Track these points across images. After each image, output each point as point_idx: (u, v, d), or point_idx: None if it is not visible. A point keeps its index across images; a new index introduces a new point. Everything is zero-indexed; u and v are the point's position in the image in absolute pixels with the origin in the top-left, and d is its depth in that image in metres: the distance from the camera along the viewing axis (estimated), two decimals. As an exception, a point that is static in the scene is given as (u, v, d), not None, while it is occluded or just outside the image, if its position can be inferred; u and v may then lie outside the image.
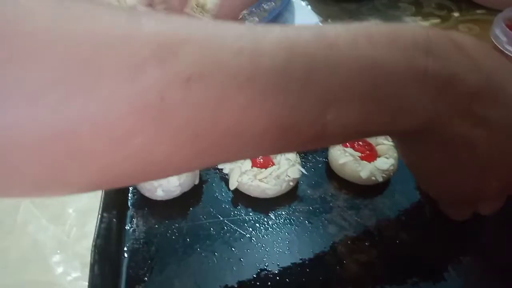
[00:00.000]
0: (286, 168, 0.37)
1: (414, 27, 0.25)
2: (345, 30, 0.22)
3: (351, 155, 0.38)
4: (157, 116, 0.17)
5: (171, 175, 0.23)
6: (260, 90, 0.19)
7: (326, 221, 0.36)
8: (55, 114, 0.16)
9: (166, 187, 0.36)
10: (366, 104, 0.22)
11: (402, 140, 0.30)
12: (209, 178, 0.39)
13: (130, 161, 0.19)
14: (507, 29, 0.46)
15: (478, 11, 0.60)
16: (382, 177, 0.37)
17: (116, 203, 0.36)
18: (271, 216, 0.36)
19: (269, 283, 0.32)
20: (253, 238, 0.35)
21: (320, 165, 0.41)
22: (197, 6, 0.42)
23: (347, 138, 0.26)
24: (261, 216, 0.36)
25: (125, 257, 0.33)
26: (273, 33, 0.20)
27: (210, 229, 0.35)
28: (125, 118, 0.17)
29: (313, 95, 0.21)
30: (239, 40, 0.19)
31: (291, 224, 0.36)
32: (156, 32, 0.18)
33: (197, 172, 0.38)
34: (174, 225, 0.35)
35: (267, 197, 0.37)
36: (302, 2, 0.58)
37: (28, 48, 0.16)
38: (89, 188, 0.21)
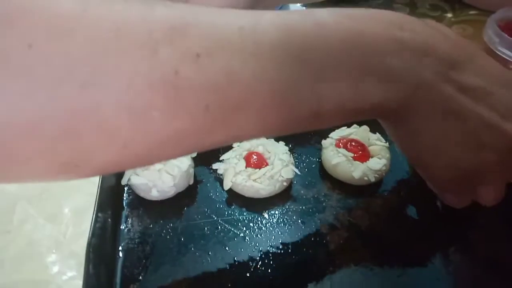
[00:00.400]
0: (280, 169, 0.37)
1: (385, 11, 0.27)
2: (327, 11, 0.24)
3: (344, 155, 0.38)
4: (172, 89, 0.19)
5: (185, 152, 0.24)
6: (262, 65, 0.21)
7: (319, 221, 0.36)
8: (82, 92, 0.18)
9: (161, 188, 0.36)
10: (356, 76, 0.24)
11: (395, 121, 0.29)
12: (204, 179, 0.39)
13: (149, 137, 0.20)
14: (500, 30, 0.47)
15: (471, 12, 0.60)
16: (375, 177, 0.38)
17: (111, 203, 0.36)
18: (265, 216, 0.37)
19: (263, 282, 0.32)
20: (247, 238, 0.35)
21: (313, 166, 0.41)
22: None
23: (344, 116, 0.26)
24: (255, 216, 0.37)
25: (120, 256, 0.34)
26: (266, 15, 0.23)
27: (205, 229, 0.36)
28: (144, 92, 0.19)
29: (307, 69, 0.23)
30: (239, 21, 0.21)
31: (284, 223, 0.36)
32: (167, 16, 0.20)
33: (192, 172, 0.38)
34: (168, 225, 0.36)
35: (261, 197, 0.37)
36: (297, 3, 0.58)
37: (56, 30, 0.17)
38: (112, 168, 0.22)
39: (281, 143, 0.40)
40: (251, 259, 0.34)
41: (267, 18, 0.22)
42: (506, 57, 0.46)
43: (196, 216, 0.37)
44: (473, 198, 0.33)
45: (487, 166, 0.29)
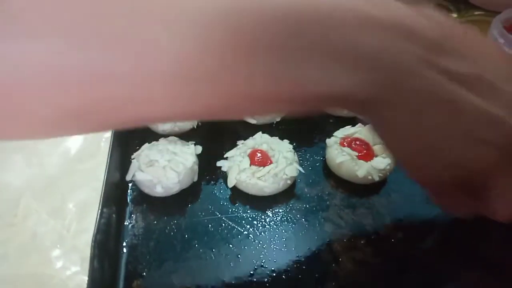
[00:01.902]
0: (284, 167, 0.37)
1: None
2: None
3: (348, 154, 0.38)
4: None
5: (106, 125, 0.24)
6: (182, 32, 0.20)
7: (322, 219, 0.36)
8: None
9: (166, 184, 0.36)
10: (303, 55, 0.21)
11: (373, 116, 0.25)
12: (208, 176, 0.40)
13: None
14: (505, 31, 0.46)
15: (476, 13, 0.60)
16: (379, 176, 0.38)
17: (115, 199, 0.36)
18: (269, 213, 0.37)
19: (266, 279, 0.32)
20: (251, 235, 0.35)
21: (317, 164, 0.41)
22: None
23: (284, 104, 0.23)
24: (258, 214, 0.37)
25: (124, 252, 0.34)
26: None
27: (208, 226, 0.36)
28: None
29: (239, 40, 0.20)
30: None
31: (288, 221, 0.36)
32: None
33: (196, 169, 0.38)
34: (172, 222, 0.36)
35: (265, 195, 0.37)
36: None
37: None
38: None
39: (286, 141, 0.40)
40: (255, 256, 0.34)
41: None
42: (511, 58, 0.46)
43: (200, 213, 0.37)
44: (481, 210, 0.29)
45: (489, 164, 0.25)
